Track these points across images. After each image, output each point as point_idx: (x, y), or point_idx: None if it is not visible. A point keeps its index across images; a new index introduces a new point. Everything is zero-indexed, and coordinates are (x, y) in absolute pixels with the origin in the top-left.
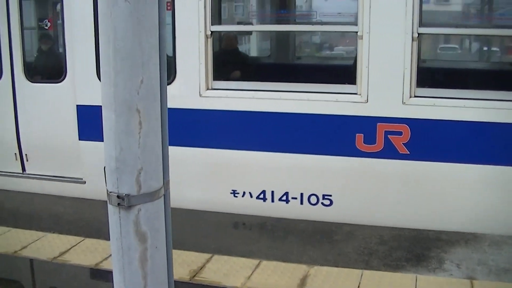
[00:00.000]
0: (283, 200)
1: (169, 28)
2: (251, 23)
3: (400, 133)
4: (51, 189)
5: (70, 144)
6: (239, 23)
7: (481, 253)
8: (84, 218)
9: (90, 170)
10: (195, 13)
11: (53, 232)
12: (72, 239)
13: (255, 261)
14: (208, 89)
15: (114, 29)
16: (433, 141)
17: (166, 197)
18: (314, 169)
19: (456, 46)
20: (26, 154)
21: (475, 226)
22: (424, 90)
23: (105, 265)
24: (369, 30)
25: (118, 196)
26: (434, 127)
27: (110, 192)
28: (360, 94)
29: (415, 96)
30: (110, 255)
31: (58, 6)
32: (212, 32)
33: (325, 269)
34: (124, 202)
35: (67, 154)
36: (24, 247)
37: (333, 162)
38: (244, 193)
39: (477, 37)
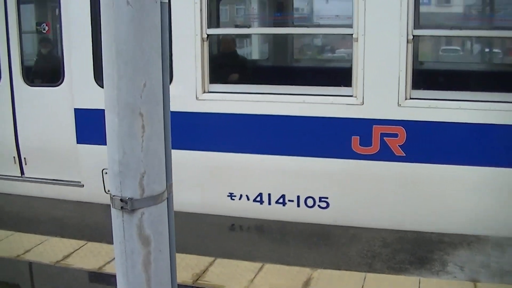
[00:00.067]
0: (280, 203)
1: None
2: (247, 26)
3: (396, 135)
4: (50, 192)
5: (68, 148)
6: (237, 26)
7: (484, 255)
8: (86, 222)
9: (88, 174)
10: (191, 16)
11: (56, 236)
12: (75, 243)
13: (258, 264)
14: (204, 92)
15: (116, 33)
16: (429, 143)
17: (169, 200)
18: (310, 172)
19: (453, 48)
20: (24, 158)
21: (472, 228)
22: (419, 92)
23: (108, 269)
24: (364, 32)
25: (121, 200)
26: (430, 129)
27: (113, 195)
28: (355, 96)
29: (410, 98)
30: (113, 258)
31: (56, 10)
32: (208, 35)
33: (329, 272)
34: (127, 205)
35: (65, 157)
36: (27, 251)
37: (329, 164)
38: (241, 196)
39: (473, 38)
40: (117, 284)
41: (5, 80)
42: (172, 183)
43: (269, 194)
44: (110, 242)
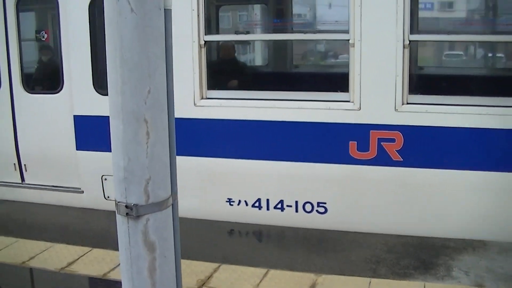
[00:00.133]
0: (278, 208)
1: None
2: (244, 33)
3: (393, 140)
4: (50, 198)
5: (68, 154)
6: (236, 32)
7: (489, 260)
8: (91, 228)
9: (87, 180)
10: (188, 23)
11: (61, 243)
12: (79, 250)
13: (263, 270)
14: (202, 98)
15: (121, 40)
16: (426, 148)
17: (174, 206)
18: (308, 177)
19: (454, 53)
20: (25, 164)
21: (469, 233)
22: (416, 97)
23: (112, 275)
24: (360, 38)
25: (126, 206)
26: (427, 133)
27: (119, 202)
28: (352, 102)
29: (407, 103)
30: (118, 265)
31: (55, 18)
32: (205, 41)
33: (333, 277)
34: (133, 212)
35: (65, 164)
36: (32, 258)
37: (327, 170)
38: (239, 201)
39: (476, 43)
40: None
41: (5, 88)
42: (177, 189)
43: (268, 200)
44: (115, 248)
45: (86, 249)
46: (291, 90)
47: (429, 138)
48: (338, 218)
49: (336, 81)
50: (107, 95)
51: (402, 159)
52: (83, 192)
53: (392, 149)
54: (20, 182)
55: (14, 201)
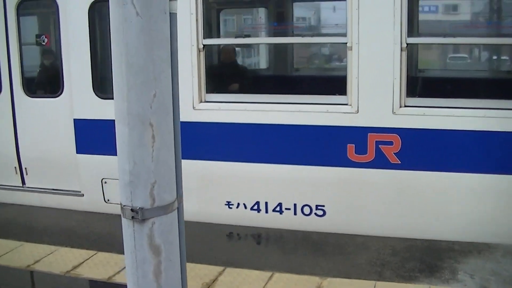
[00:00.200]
0: (277, 211)
1: None
2: (243, 36)
3: (391, 143)
4: (50, 202)
5: (68, 158)
6: (237, 36)
7: (494, 263)
8: (95, 231)
9: (87, 183)
10: (187, 26)
11: (65, 246)
12: (84, 253)
13: (268, 274)
14: (201, 101)
15: (126, 44)
16: (424, 151)
17: (180, 210)
18: (306, 180)
19: (458, 56)
20: (25, 168)
21: (467, 235)
22: (414, 99)
23: (117, 279)
24: (358, 41)
25: (132, 210)
26: (425, 136)
27: (124, 205)
28: (350, 105)
29: (405, 106)
30: (123, 268)
31: (55, 22)
32: (204, 45)
33: (338, 280)
34: (138, 215)
35: (65, 167)
36: (37, 261)
37: (325, 172)
38: (238, 204)
39: (467, 46)
40: None
41: (5, 92)
42: (182, 193)
43: (266, 203)
44: (120, 251)
45: (91, 252)
46: (289, 94)
47: (427, 141)
48: (336, 221)
49: (334, 84)
50: (106, 98)
51: (400, 162)
52: (83, 195)
53: (390, 152)
54: (21, 185)
55: (15, 204)
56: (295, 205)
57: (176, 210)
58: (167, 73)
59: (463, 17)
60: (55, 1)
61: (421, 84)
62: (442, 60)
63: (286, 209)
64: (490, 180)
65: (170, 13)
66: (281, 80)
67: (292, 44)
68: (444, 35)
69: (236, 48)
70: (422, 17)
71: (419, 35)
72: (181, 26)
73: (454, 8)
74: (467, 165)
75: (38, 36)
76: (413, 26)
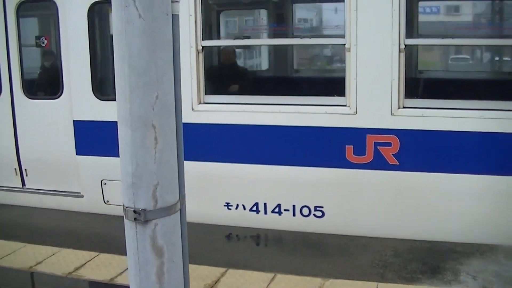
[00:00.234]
0: (276, 212)
1: None
2: (241, 38)
3: (389, 144)
4: (50, 203)
5: (68, 159)
6: (237, 38)
7: (497, 264)
8: (97, 233)
9: (87, 184)
10: (186, 28)
11: (68, 247)
12: (86, 254)
13: (270, 275)
14: (200, 103)
15: (129, 47)
16: (423, 152)
17: (182, 211)
18: (305, 181)
19: (461, 57)
20: (25, 169)
21: (465, 237)
22: (412, 101)
23: (120, 280)
24: (356, 42)
25: (134, 211)
26: (423, 137)
27: (127, 207)
28: (349, 106)
29: (403, 107)
30: (125, 269)
31: (54, 24)
32: (203, 47)
33: (340, 282)
34: (141, 217)
35: (65, 168)
36: (39, 263)
37: (324, 173)
38: (237, 205)
39: (466, 47)
40: None
41: (5, 93)
42: (185, 194)
43: (265, 204)
44: (122, 253)
45: (93, 253)
46: (288, 95)
47: (426, 142)
48: (335, 222)
49: (332, 86)
50: (106, 100)
51: (398, 163)
52: (83, 196)
53: (389, 153)
54: (21, 186)
55: (15, 205)
56: (294, 206)
57: (179, 212)
58: (169, 75)
59: (462, 18)
60: (55, 2)
61: (419, 85)
62: (442, 61)
63: (285, 210)
64: (489, 181)
65: (172, 15)
66: (280, 81)
67: (291, 45)
68: (443, 36)
69: (236, 50)
70: (421, 18)
71: (418, 36)
72: (180, 27)
73: (455, 9)
74: (466, 166)
75: (37, 37)
76: (411, 27)
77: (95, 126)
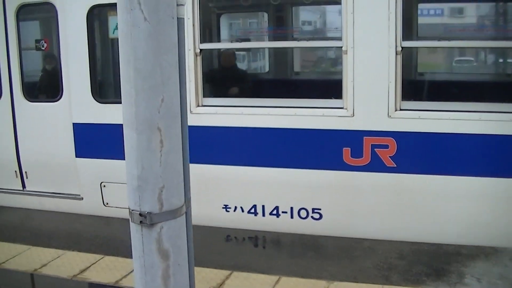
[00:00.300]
0: (274, 214)
1: None
2: (239, 41)
3: (386, 146)
4: (50, 205)
5: (67, 161)
6: (237, 40)
7: (502, 267)
8: (102, 235)
9: (86, 187)
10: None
11: (72, 250)
12: (91, 257)
13: (275, 277)
14: (198, 106)
15: (134, 50)
16: (420, 154)
17: (188, 214)
18: (303, 184)
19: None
20: (25, 172)
21: (463, 239)
22: (409, 103)
23: (125, 283)
24: (353, 45)
25: (140, 214)
26: (420, 139)
27: (132, 210)
28: (346, 108)
29: (400, 109)
30: (130, 272)
31: (54, 27)
32: (201, 50)
33: (345, 284)
34: (146, 220)
35: (64, 171)
36: (44, 265)
37: (321, 176)
38: (235, 207)
39: (463, 49)
40: None
41: (6, 96)
42: (190, 197)
43: (263, 206)
44: (127, 255)
45: (98, 256)
46: (285, 97)
47: (422, 144)
48: (333, 224)
49: (330, 88)
50: (105, 103)
51: (395, 165)
52: (82, 198)
53: (386, 155)
54: (21, 189)
55: (17, 208)
56: (291, 208)
57: (184, 215)
58: (174, 78)
59: (460, 20)
60: (54, 6)
61: (417, 88)
62: (442, 64)
63: (283, 212)
64: (486, 183)
65: (177, 18)
66: (278, 84)
67: (289, 48)
68: (439, 39)
69: (234, 52)
70: (418, 20)
71: (415, 38)
72: None
73: (454, 11)
74: (463, 168)
75: (37, 41)
76: (409, 29)
77: (95, 128)
